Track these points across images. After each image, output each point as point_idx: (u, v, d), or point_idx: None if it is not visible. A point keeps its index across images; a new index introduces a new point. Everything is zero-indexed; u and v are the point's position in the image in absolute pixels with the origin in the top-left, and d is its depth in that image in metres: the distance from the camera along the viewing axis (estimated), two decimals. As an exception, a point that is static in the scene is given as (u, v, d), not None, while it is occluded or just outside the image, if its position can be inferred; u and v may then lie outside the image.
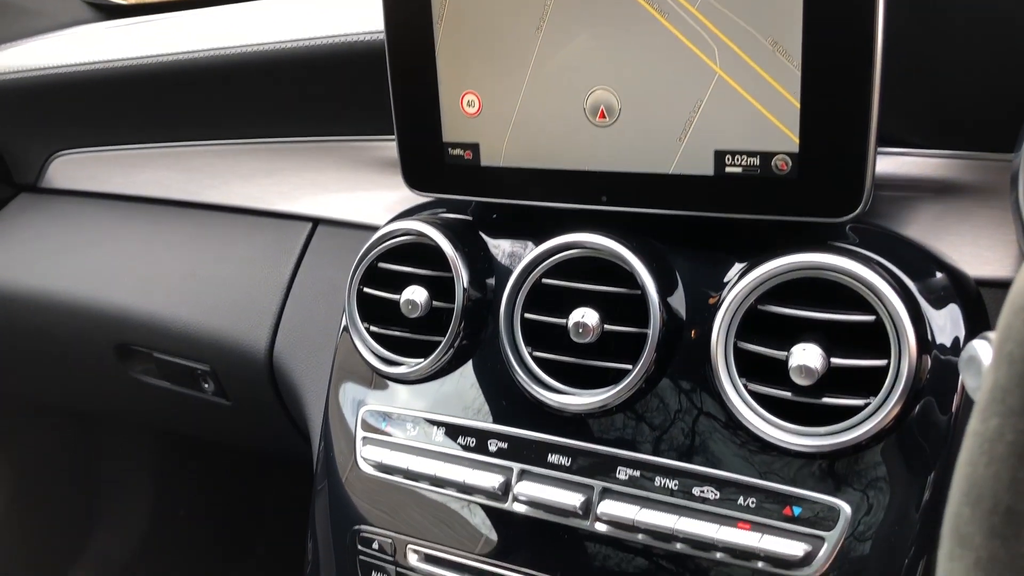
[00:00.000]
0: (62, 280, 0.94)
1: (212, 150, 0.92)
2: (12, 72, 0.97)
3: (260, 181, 0.88)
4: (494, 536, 0.62)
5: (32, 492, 1.32)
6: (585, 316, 0.58)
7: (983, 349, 0.32)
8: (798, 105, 0.53)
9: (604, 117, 0.58)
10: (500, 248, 0.68)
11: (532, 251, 0.61)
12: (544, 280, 0.61)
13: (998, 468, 0.26)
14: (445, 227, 0.67)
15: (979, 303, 0.55)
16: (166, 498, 1.46)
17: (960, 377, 0.52)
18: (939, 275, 0.55)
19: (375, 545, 0.66)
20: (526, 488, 0.60)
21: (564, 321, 0.59)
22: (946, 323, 0.53)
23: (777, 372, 0.54)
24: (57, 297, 0.94)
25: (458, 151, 0.65)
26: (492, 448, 0.63)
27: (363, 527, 0.67)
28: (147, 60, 0.88)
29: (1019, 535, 0.25)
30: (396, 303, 0.67)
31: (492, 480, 0.61)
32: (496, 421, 0.63)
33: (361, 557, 0.67)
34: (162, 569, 1.49)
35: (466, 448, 0.64)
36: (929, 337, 0.52)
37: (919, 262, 0.56)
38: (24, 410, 1.29)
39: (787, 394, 0.54)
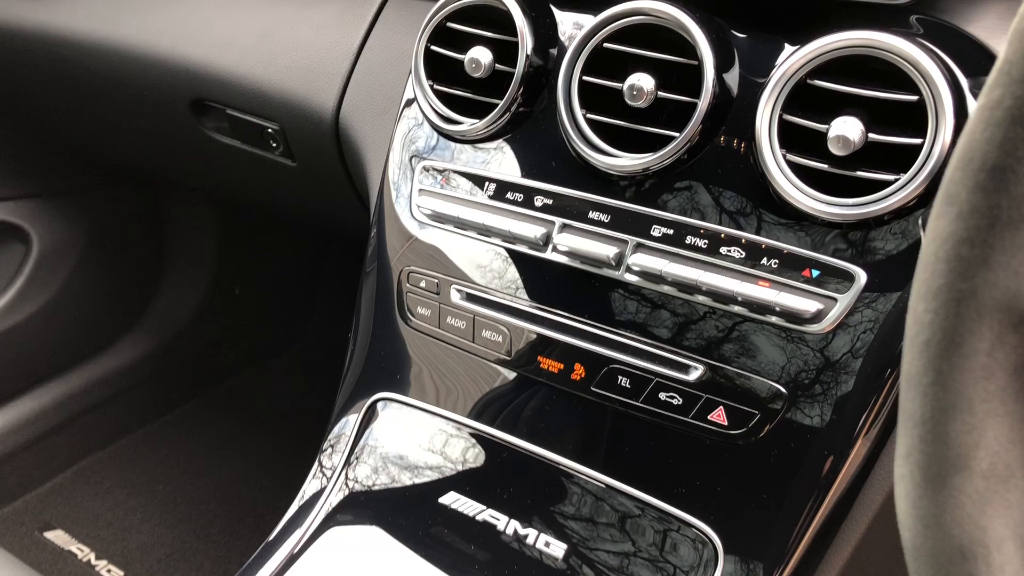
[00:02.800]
0: (144, 34, 0.98)
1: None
2: None
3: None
4: (531, 281, 0.67)
5: (104, 249, 1.41)
6: (640, 80, 0.61)
7: None
8: None
9: None
10: (566, 19, 0.70)
11: (597, 16, 0.64)
12: (605, 45, 0.64)
13: (992, 131, 0.29)
14: (515, -8, 0.69)
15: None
16: (224, 273, 1.55)
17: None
18: (988, 69, 0.57)
19: (423, 284, 0.72)
20: (565, 239, 0.65)
21: (620, 85, 0.62)
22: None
23: (817, 148, 0.57)
24: (138, 50, 0.98)
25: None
26: (538, 203, 0.67)
27: (413, 267, 0.72)
28: None
29: (999, 188, 0.29)
30: (460, 63, 0.70)
31: (535, 231, 0.66)
32: (543, 180, 0.67)
33: (409, 295, 0.73)
34: (213, 340, 1.60)
35: (513, 203, 0.68)
36: (967, 122, 0.55)
37: (972, 54, 0.57)
38: (99, 169, 1.36)
39: (823, 165, 0.57)
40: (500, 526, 0.63)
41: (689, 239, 0.61)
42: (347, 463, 0.69)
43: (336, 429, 0.72)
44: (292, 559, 0.64)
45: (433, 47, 0.72)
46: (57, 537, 1.32)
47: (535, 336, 0.66)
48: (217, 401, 1.59)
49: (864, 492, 0.58)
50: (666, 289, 0.61)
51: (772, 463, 0.58)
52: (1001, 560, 0.30)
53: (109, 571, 1.27)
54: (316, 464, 0.71)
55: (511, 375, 0.67)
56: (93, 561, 1.28)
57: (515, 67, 0.68)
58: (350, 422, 0.72)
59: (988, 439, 0.30)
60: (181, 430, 1.53)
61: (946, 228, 0.30)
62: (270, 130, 0.93)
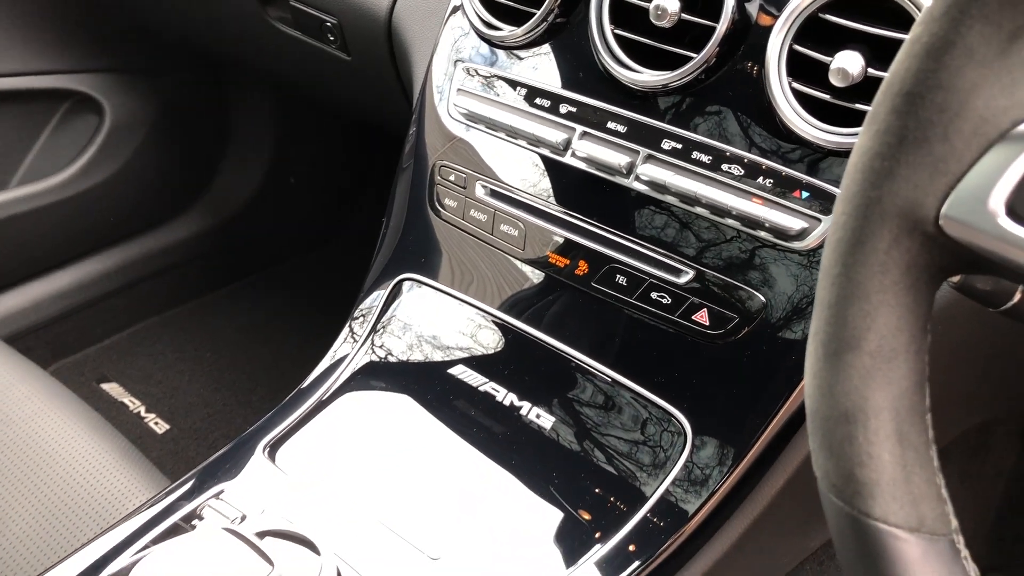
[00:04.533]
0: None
1: None
2: None
3: None
4: (548, 182, 0.73)
5: (171, 128, 1.49)
6: (666, 1, 0.66)
7: None
8: None
9: None
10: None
11: (632, -63, 0.68)
12: (636, -34, 0.68)
13: (910, 62, 0.34)
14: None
15: None
16: (280, 162, 1.63)
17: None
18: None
19: (452, 178, 0.78)
20: (583, 146, 0.70)
21: (647, 4, 0.67)
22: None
23: (821, 79, 0.61)
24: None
25: None
26: (562, 111, 0.72)
27: (445, 162, 0.79)
28: None
29: (909, 111, 0.34)
30: (505, -28, 0.75)
31: (557, 136, 0.71)
32: (570, 90, 0.73)
33: (438, 186, 0.79)
34: (266, 224, 1.69)
35: (540, 108, 0.73)
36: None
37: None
38: (171, 51, 1.43)
39: (824, 95, 0.61)
40: (499, 397, 0.70)
41: (695, 154, 0.66)
42: (372, 331, 0.77)
43: (366, 302, 0.80)
44: (321, 404, 0.72)
45: (482, -46, 0.77)
46: (112, 389, 1.44)
47: (546, 233, 0.72)
48: (266, 281, 1.69)
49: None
50: (669, 199, 0.67)
51: (745, 363, 0.64)
52: (876, 425, 0.36)
53: (156, 423, 1.39)
54: (347, 329, 0.79)
55: (522, 267, 0.74)
56: (143, 414, 1.40)
57: (554, -21, 0.73)
58: (378, 297, 0.79)
59: (879, 324, 0.36)
60: (231, 305, 1.63)
61: (865, 143, 0.36)
62: (328, 23, 0.99)
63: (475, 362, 0.73)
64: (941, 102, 0.33)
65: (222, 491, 0.65)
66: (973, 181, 0.34)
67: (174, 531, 0.62)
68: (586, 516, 0.64)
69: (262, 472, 0.67)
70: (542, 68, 0.75)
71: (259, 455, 0.69)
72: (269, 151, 1.62)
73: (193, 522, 0.63)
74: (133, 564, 0.53)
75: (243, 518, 0.62)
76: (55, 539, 0.74)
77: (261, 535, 0.56)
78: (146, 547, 0.61)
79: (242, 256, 1.67)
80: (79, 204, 1.40)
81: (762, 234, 0.63)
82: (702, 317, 0.65)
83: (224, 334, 1.58)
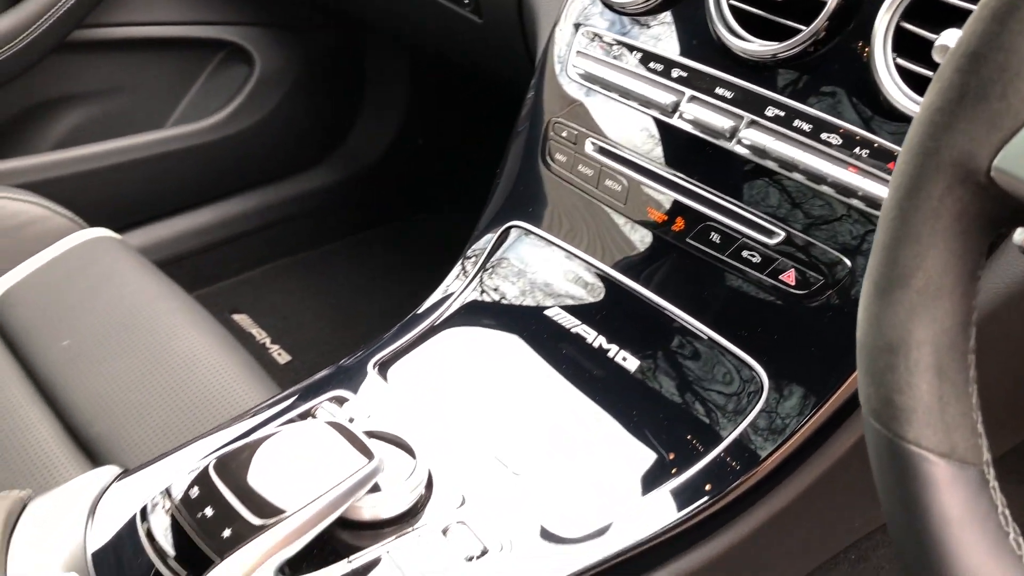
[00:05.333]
0: None
1: None
2: None
3: None
4: (654, 143, 0.77)
5: (313, 82, 1.60)
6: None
7: None
8: None
9: None
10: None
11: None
12: (755, -60, 0.71)
13: (976, 25, 0.37)
14: None
15: None
16: (411, 122, 1.72)
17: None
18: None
19: (564, 134, 0.83)
20: (691, 109, 0.74)
21: (762, -24, 0.70)
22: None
23: (926, 57, 0.63)
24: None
25: None
26: (674, 75, 0.76)
27: (560, 119, 0.84)
28: None
29: (972, 70, 0.37)
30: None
31: (667, 98, 0.75)
32: (683, 56, 0.76)
33: (551, 141, 0.84)
34: (395, 181, 1.78)
35: (654, 72, 0.78)
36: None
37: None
38: (317, 8, 1.52)
39: (927, 71, 0.63)
40: (589, 339, 0.75)
41: (796, 122, 0.69)
42: (481, 269, 0.83)
43: (477, 244, 0.86)
44: (429, 331, 0.79)
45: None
46: (242, 320, 1.56)
47: (648, 189, 0.76)
48: (391, 234, 1.78)
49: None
50: (768, 164, 0.70)
51: (826, 325, 0.67)
52: (917, 357, 0.40)
53: (279, 354, 1.50)
54: (458, 267, 0.85)
55: (622, 220, 0.78)
56: (268, 345, 1.52)
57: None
58: (488, 240, 0.85)
59: (927, 265, 0.39)
60: (355, 253, 1.73)
61: (929, 99, 0.39)
62: (462, -14, 1.05)
63: (570, 305, 0.78)
64: (1003, 62, 0.36)
65: (334, 397, 0.73)
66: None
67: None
68: (663, 450, 0.68)
69: (371, 385, 0.74)
70: (659, 35, 0.79)
71: (370, 370, 0.76)
72: (402, 112, 1.71)
73: (307, 419, 0.71)
74: (248, 445, 0.60)
75: (351, 420, 0.70)
76: (187, 430, 0.84)
77: (366, 434, 0.63)
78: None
79: (370, 209, 1.77)
80: (225, 147, 1.52)
81: (855, 202, 0.66)
82: (789, 277, 0.68)
83: (347, 279, 1.68)
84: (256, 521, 0.54)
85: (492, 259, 0.84)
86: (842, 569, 1.11)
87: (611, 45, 0.82)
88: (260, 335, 1.54)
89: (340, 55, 1.64)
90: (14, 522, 0.58)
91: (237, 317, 1.56)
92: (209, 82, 1.50)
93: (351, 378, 0.76)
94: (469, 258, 0.86)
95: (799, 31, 0.69)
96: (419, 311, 0.82)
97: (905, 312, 0.40)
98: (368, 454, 0.59)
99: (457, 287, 0.83)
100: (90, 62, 1.37)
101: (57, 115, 1.39)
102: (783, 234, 0.69)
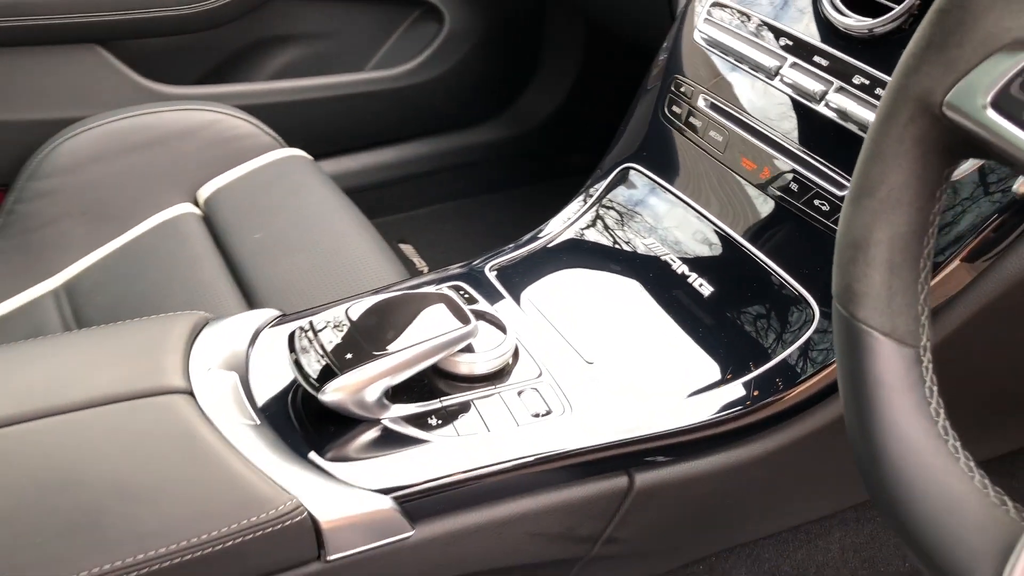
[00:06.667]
0: None
1: None
2: None
3: None
4: (756, 101, 0.87)
5: (496, 41, 1.76)
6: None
7: None
8: None
9: None
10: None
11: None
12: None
13: None
14: None
15: None
16: (580, 86, 1.85)
17: None
18: None
19: (682, 89, 0.94)
20: (790, 73, 0.84)
21: (865, -41, 0.79)
22: None
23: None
24: None
25: None
26: (781, 43, 0.86)
27: (679, 76, 0.95)
28: None
29: (939, 23, 0.46)
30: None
31: (771, 63, 0.85)
32: (790, 26, 0.86)
33: (670, 95, 0.96)
34: (562, 140, 1.92)
35: (764, 39, 0.88)
36: None
37: None
38: None
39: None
40: (674, 266, 0.87)
41: (878, 90, 0.77)
42: (597, 201, 0.96)
43: (596, 182, 0.99)
44: (543, 247, 0.93)
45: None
46: (407, 249, 1.76)
47: (744, 141, 0.87)
48: (554, 189, 1.93)
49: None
50: (849, 126, 0.79)
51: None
52: (874, 253, 0.49)
53: (434, 283, 1.68)
54: (580, 198, 0.98)
55: (719, 168, 0.89)
56: (426, 273, 1.70)
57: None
58: (607, 177, 0.98)
59: (889, 179, 0.49)
60: (517, 205, 1.89)
61: (908, 46, 0.48)
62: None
63: (664, 237, 0.90)
64: (960, 17, 0.46)
65: (454, 285, 0.88)
66: (971, 79, 0.46)
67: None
68: (722, 361, 0.79)
69: (486, 280, 0.89)
70: (775, 7, 0.89)
71: (487, 271, 0.91)
72: (572, 78, 1.85)
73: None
74: (376, 300, 0.76)
75: (463, 295, 0.85)
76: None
77: (470, 310, 0.78)
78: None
79: (536, 164, 1.92)
80: (411, 94, 1.71)
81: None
82: (851, 225, 0.77)
83: (504, 227, 1.84)
84: (372, 351, 0.70)
85: (608, 194, 0.97)
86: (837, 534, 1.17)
87: (733, 14, 0.92)
88: (420, 264, 1.72)
89: (522, 19, 1.79)
90: (196, 334, 0.76)
91: (403, 246, 1.75)
92: (404, 35, 1.69)
93: (472, 275, 0.91)
94: (589, 192, 0.99)
95: (891, 7, 0.78)
96: (539, 232, 0.96)
97: (869, 216, 0.50)
98: (466, 320, 0.74)
99: (573, 214, 0.96)
100: (304, 8, 1.59)
101: (274, 52, 1.62)
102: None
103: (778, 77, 0.85)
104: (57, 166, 1.25)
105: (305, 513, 0.63)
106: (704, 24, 0.94)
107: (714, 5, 0.94)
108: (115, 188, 1.25)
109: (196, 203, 1.27)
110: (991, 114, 0.45)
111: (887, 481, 0.49)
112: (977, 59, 0.46)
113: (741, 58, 0.89)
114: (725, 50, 0.91)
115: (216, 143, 1.31)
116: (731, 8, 0.93)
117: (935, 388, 0.50)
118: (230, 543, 0.60)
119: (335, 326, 0.73)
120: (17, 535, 0.57)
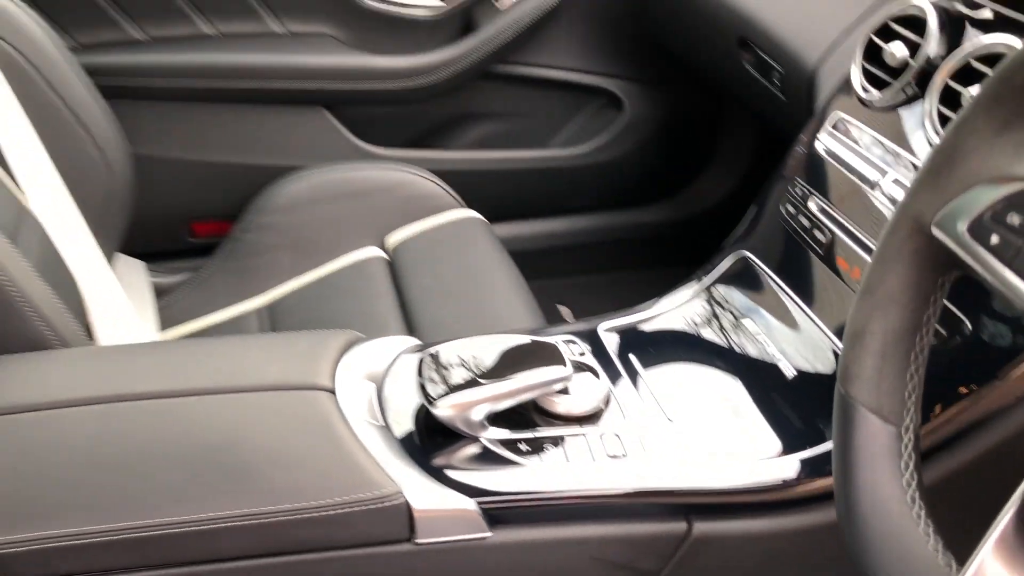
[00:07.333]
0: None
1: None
2: None
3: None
4: (857, 208, 0.96)
5: (673, 132, 1.89)
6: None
7: None
8: None
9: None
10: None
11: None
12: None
13: (946, 131, 0.56)
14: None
15: None
16: (747, 181, 1.95)
17: None
18: None
19: (797, 189, 1.05)
20: (889, 186, 0.92)
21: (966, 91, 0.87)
22: None
23: None
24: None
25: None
26: (887, 158, 0.95)
27: (797, 178, 1.05)
28: None
29: (935, 157, 0.56)
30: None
31: (874, 175, 0.95)
32: (895, 142, 0.95)
33: (786, 194, 1.06)
34: (723, 226, 2.01)
35: (871, 152, 0.97)
36: None
37: None
38: (684, 73, 1.82)
39: None
40: (766, 348, 0.97)
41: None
42: (710, 281, 1.08)
43: (712, 264, 1.11)
44: (652, 315, 1.06)
45: (873, 36, 1.02)
46: (564, 311, 1.90)
47: (842, 242, 0.96)
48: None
49: None
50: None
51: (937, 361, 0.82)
52: (868, 342, 0.59)
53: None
54: (695, 278, 1.10)
55: (819, 265, 0.98)
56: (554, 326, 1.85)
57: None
58: (722, 260, 1.09)
59: (887, 282, 0.58)
60: (672, 280, 1.99)
61: (916, 174, 0.58)
62: (777, 71, 1.29)
63: (761, 320, 1.00)
64: (951, 154, 0.55)
65: (568, 339, 1.02)
66: (955, 205, 0.55)
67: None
68: (787, 435, 0.88)
69: (595, 337, 1.02)
70: (886, 125, 0.98)
71: (600, 331, 1.04)
72: (743, 169, 1.95)
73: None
74: (493, 337, 0.91)
75: (570, 344, 0.98)
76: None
77: (574, 360, 0.91)
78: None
79: (694, 247, 2.02)
80: (586, 172, 1.87)
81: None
82: (922, 327, 0.85)
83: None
84: (480, 379, 0.85)
85: (719, 277, 1.08)
86: None
87: (851, 128, 1.02)
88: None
89: (698, 113, 1.92)
90: (348, 348, 0.94)
91: (561, 308, 1.91)
92: (585, 117, 1.86)
93: (588, 332, 1.04)
94: (705, 271, 1.10)
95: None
96: (654, 302, 1.08)
97: (868, 310, 0.59)
98: (564, 366, 0.87)
99: (686, 289, 1.08)
100: (501, 90, 1.80)
101: (468, 125, 1.84)
102: (928, 294, 0.85)
103: (878, 188, 0.94)
104: (277, 205, 1.51)
105: (403, 499, 0.78)
106: (825, 134, 1.05)
107: (836, 117, 1.04)
108: (320, 228, 1.49)
109: (383, 248, 1.48)
110: (967, 238, 0.54)
111: (856, 534, 0.58)
112: (961, 189, 0.55)
113: (850, 168, 0.98)
114: (838, 160, 1.01)
115: (407, 199, 1.53)
116: (851, 123, 1.02)
117: (911, 463, 0.58)
118: (340, 511, 0.76)
119: (457, 356, 0.89)
120: (186, 477, 0.75)
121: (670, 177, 1.98)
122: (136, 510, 0.73)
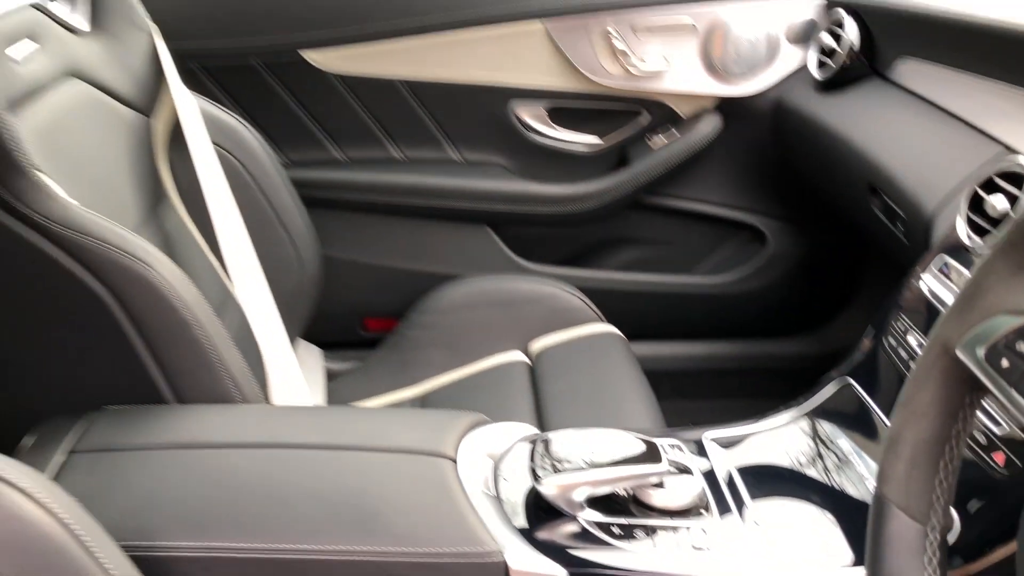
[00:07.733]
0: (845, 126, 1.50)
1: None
2: None
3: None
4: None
5: (817, 264, 1.96)
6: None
7: None
8: None
9: None
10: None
11: None
12: None
13: (973, 271, 0.65)
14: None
15: None
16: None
17: None
18: None
19: (899, 324, 1.12)
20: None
21: None
22: None
23: None
24: (840, 136, 1.52)
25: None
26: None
27: (901, 313, 1.13)
28: None
29: (965, 291, 0.65)
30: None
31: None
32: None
33: (892, 326, 1.13)
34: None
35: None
36: None
37: None
38: (820, 209, 1.90)
39: None
40: (857, 468, 1.03)
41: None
42: (815, 403, 1.16)
43: (821, 385, 1.18)
44: (754, 431, 1.14)
45: (978, 188, 1.10)
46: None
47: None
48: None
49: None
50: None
51: (1004, 493, 0.87)
52: (901, 449, 0.67)
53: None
54: (806, 396, 1.18)
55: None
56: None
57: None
58: (828, 383, 1.17)
59: (919, 397, 0.67)
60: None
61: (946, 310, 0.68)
62: (901, 217, 1.37)
63: (857, 442, 1.07)
64: (975, 291, 0.65)
65: (674, 444, 1.12)
66: (975, 332, 0.64)
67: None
68: (858, 548, 0.94)
69: (701, 443, 1.12)
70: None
71: (704, 438, 1.14)
72: (868, 302, 1.99)
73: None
74: (604, 432, 1.03)
75: (672, 448, 1.08)
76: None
77: (669, 460, 1.02)
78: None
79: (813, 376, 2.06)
80: (726, 301, 1.97)
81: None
82: (999, 457, 0.90)
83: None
84: (583, 465, 0.97)
85: (823, 399, 1.16)
86: None
87: (951, 272, 1.09)
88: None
89: (839, 248, 1.99)
90: (474, 427, 1.08)
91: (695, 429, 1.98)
92: (729, 248, 1.98)
93: (691, 439, 1.14)
94: (811, 393, 1.18)
95: None
96: (759, 418, 1.17)
97: (902, 420, 0.68)
98: (659, 464, 0.98)
99: (790, 413, 1.16)
100: (648, 218, 1.95)
101: (617, 248, 1.99)
102: (1007, 427, 0.91)
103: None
104: (437, 307, 1.70)
105: (502, 559, 0.90)
106: (930, 275, 1.12)
107: (944, 263, 1.12)
108: (472, 330, 1.67)
109: (527, 353, 1.63)
110: (984, 363, 0.63)
111: None
112: (981, 319, 0.64)
113: (945, 305, 1.05)
114: (939, 300, 1.08)
115: (551, 311, 1.68)
116: (955, 267, 1.10)
117: (935, 559, 0.65)
118: (447, 560, 0.89)
119: (567, 444, 1.01)
120: (325, 515, 0.91)
121: (811, 311, 2.05)
122: (284, 536, 0.89)
